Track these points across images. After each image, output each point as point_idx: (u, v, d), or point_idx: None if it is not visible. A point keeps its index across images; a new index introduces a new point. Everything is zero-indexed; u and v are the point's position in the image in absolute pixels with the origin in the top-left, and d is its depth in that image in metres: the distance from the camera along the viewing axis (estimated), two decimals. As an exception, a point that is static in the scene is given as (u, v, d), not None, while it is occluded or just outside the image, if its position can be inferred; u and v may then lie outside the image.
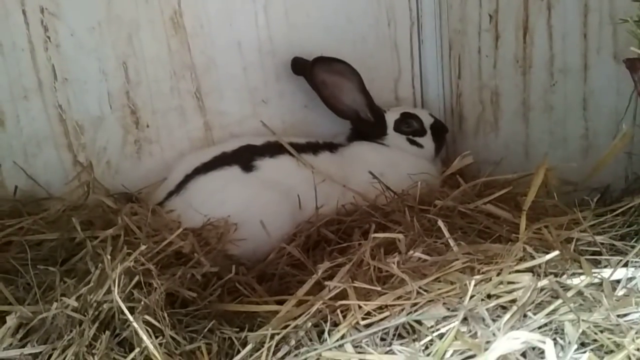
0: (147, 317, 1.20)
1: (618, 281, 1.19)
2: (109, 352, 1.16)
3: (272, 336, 1.20)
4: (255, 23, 1.97)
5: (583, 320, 1.04)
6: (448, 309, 1.15)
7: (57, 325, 1.21)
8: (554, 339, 1.02)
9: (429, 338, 1.08)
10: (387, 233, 1.49)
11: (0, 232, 1.55)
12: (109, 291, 1.23)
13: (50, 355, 1.16)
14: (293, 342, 1.18)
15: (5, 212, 1.66)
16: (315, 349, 1.13)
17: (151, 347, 1.13)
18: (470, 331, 1.08)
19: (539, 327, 1.06)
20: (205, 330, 1.30)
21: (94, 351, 1.15)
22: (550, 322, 1.07)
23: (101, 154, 1.84)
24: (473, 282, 1.16)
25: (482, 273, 1.24)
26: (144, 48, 1.84)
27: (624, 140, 1.56)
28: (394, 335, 1.13)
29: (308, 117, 2.10)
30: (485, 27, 2.00)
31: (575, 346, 0.98)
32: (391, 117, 2.08)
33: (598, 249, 1.35)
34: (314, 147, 1.92)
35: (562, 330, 1.05)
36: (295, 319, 1.24)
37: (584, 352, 0.97)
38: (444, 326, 1.10)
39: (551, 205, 1.60)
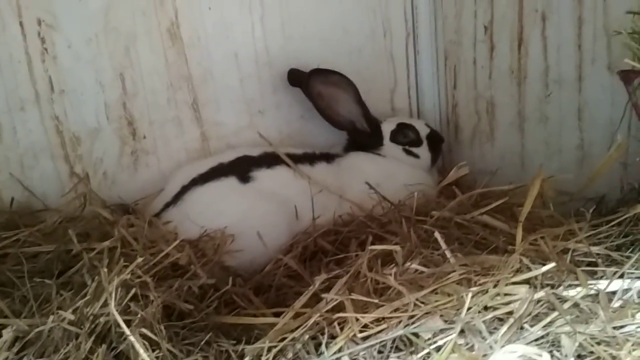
0: (143, 330, 1.19)
1: (614, 293, 1.19)
2: (105, 365, 1.16)
3: (270, 349, 1.20)
4: (252, 35, 1.97)
5: (579, 333, 1.04)
6: (445, 321, 1.15)
7: (54, 339, 1.21)
8: (551, 352, 1.02)
9: (426, 351, 1.08)
10: (384, 244, 1.49)
11: (-4, 244, 1.55)
12: (105, 304, 1.23)
13: (46, 369, 1.15)
14: (290, 355, 1.18)
15: (2, 223, 1.65)
16: (313, 362, 1.13)
17: (148, 360, 1.13)
18: (467, 344, 1.08)
19: (536, 340, 1.07)
20: (202, 343, 1.29)
21: (90, 364, 1.15)
22: (547, 335, 1.07)
23: (98, 165, 1.84)
24: (470, 294, 1.16)
25: (479, 285, 1.24)
26: (141, 59, 1.84)
27: (619, 151, 1.57)
28: (391, 348, 1.13)
29: (304, 127, 2.11)
30: (480, 38, 2.01)
31: (572, 359, 0.98)
32: (387, 128, 2.08)
33: (594, 260, 1.36)
34: (310, 158, 1.92)
35: (559, 342, 1.06)
36: (292, 331, 1.24)
37: (581, 364, 0.98)
38: (441, 339, 1.10)
39: (547, 216, 1.60)
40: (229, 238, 1.66)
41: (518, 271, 1.27)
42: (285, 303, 1.47)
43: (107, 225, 1.64)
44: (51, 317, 1.23)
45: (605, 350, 1.00)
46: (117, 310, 1.19)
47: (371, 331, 1.18)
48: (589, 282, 1.21)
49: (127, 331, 1.16)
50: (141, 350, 1.14)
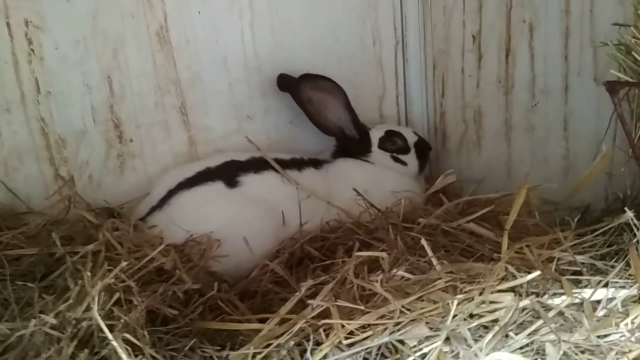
0: (126, 335, 1.18)
1: (598, 301, 1.20)
2: (87, 370, 1.14)
3: (254, 355, 1.20)
4: (241, 39, 1.97)
5: (564, 341, 1.05)
6: (431, 328, 1.15)
7: (35, 343, 1.19)
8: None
9: (411, 358, 1.08)
10: (370, 251, 1.49)
11: (-22, 246, 1.53)
12: (88, 308, 1.21)
13: (27, 374, 1.13)
14: (275, 362, 1.18)
15: (-16, 226, 1.63)
16: (298, 369, 1.12)
17: (131, 366, 1.12)
18: (452, 351, 1.08)
19: (521, 348, 1.07)
20: (186, 348, 1.28)
21: (72, 370, 1.13)
22: (532, 343, 1.08)
23: (83, 168, 1.82)
24: (456, 302, 1.16)
25: (465, 292, 1.25)
26: (129, 62, 1.83)
27: (604, 161, 1.59)
28: (376, 355, 1.13)
29: (293, 133, 2.11)
30: (468, 47, 2.03)
31: (557, 367, 0.99)
32: (376, 135, 2.09)
33: (579, 269, 1.36)
34: (298, 164, 1.92)
35: (544, 350, 1.06)
36: (277, 337, 1.23)
37: (565, 373, 0.98)
38: (426, 346, 1.10)
39: (532, 225, 1.61)
40: (215, 243, 1.65)
41: (503, 279, 1.28)
42: (270, 309, 1.46)
43: (91, 229, 1.62)
44: (33, 321, 1.21)
45: (589, 359, 1.01)
46: (100, 315, 1.18)
47: (357, 338, 1.17)
48: (574, 290, 1.22)
49: (109, 336, 1.15)
50: (124, 356, 1.12)
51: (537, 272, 1.22)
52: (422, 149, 2.13)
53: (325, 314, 1.26)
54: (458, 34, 2.04)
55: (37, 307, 1.28)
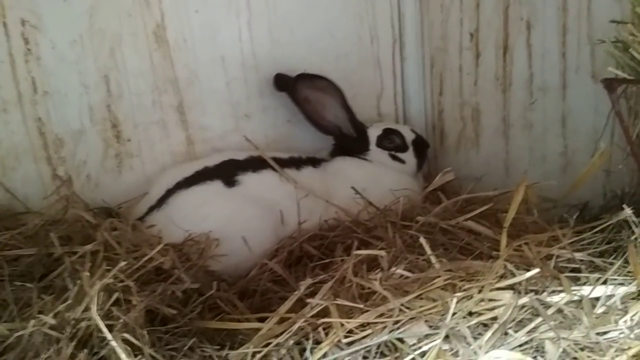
0: (126, 335, 1.18)
1: (597, 299, 1.20)
2: (86, 370, 1.14)
3: (254, 354, 1.20)
4: (239, 38, 1.97)
5: (563, 338, 1.05)
6: (430, 326, 1.15)
7: (34, 343, 1.19)
8: (535, 357, 1.03)
9: (410, 356, 1.08)
10: (369, 249, 1.49)
11: (-24, 247, 1.52)
12: (87, 308, 1.21)
13: (27, 374, 1.13)
14: (275, 360, 1.18)
15: (-18, 226, 1.62)
16: (297, 368, 1.12)
17: (130, 366, 1.12)
18: (452, 349, 1.08)
19: (520, 345, 1.07)
20: (186, 348, 1.28)
21: (71, 370, 1.13)
22: (531, 340, 1.08)
23: (81, 167, 1.82)
24: (455, 300, 1.16)
25: (464, 290, 1.25)
26: (126, 61, 1.82)
27: (602, 158, 1.59)
28: (376, 353, 1.13)
29: (291, 132, 2.10)
30: (466, 45, 2.03)
31: (556, 365, 0.99)
32: (373, 133, 2.09)
33: (577, 266, 1.37)
34: (296, 162, 1.92)
35: (543, 348, 1.06)
36: (277, 336, 1.23)
37: (564, 370, 0.98)
38: (425, 344, 1.10)
39: (531, 222, 1.62)
40: (213, 242, 1.65)
41: (502, 277, 1.28)
42: (270, 308, 1.46)
43: (89, 229, 1.62)
44: (32, 322, 1.20)
45: (588, 357, 1.01)
46: (99, 315, 1.18)
47: (356, 336, 1.17)
48: (573, 288, 1.22)
49: (109, 336, 1.15)
50: (123, 356, 1.12)
51: (536, 270, 1.22)
52: (420, 146, 2.13)
53: (325, 312, 1.26)
54: (455, 31, 2.04)
55: (35, 308, 1.28)
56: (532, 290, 1.23)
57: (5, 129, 1.71)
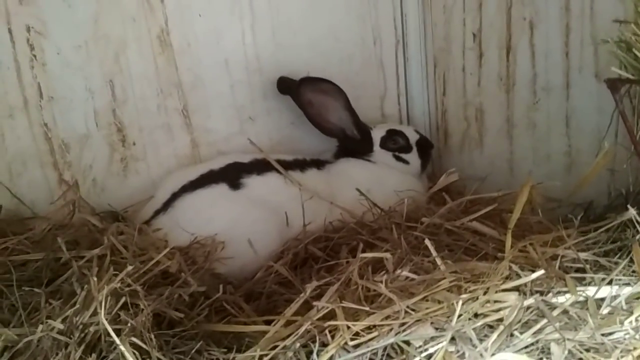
0: (133, 339, 1.19)
1: (602, 299, 1.20)
2: (95, 375, 1.15)
3: (261, 357, 1.20)
4: (242, 41, 1.98)
5: (568, 340, 1.05)
6: (436, 328, 1.16)
7: (43, 348, 1.20)
8: (541, 359, 1.03)
9: (417, 359, 1.09)
10: (374, 251, 1.49)
11: (-16, 252, 1.53)
12: (95, 313, 1.22)
13: (36, 379, 1.14)
14: (281, 363, 1.18)
15: (-10, 231, 1.64)
16: (304, 370, 1.13)
17: (138, 369, 1.13)
18: (458, 351, 1.08)
19: (526, 347, 1.07)
20: (193, 351, 1.29)
21: (79, 374, 1.14)
22: (537, 342, 1.08)
23: (87, 172, 1.83)
24: (460, 302, 1.16)
25: (469, 292, 1.25)
26: (131, 66, 1.83)
27: (606, 158, 1.59)
28: (382, 355, 1.14)
29: (295, 134, 2.11)
30: (469, 45, 2.03)
31: (562, 366, 0.99)
32: (377, 134, 2.09)
33: (582, 266, 1.37)
34: (301, 164, 1.93)
35: (549, 349, 1.07)
36: (283, 339, 1.24)
37: (570, 371, 0.99)
38: (432, 346, 1.11)
39: (536, 222, 1.62)
40: (219, 245, 1.66)
41: (507, 278, 1.28)
42: (276, 310, 1.47)
43: (96, 233, 1.63)
44: (40, 327, 1.22)
45: (594, 357, 1.01)
46: (106, 319, 1.18)
47: (362, 339, 1.18)
48: (578, 288, 1.22)
49: (117, 340, 1.16)
50: (131, 359, 1.13)
51: (542, 271, 1.23)
52: (424, 147, 2.13)
53: (331, 315, 1.26)
54: (458, 32, 2.04)
55: (44, 313, 1.29)
56: (537, 292, 1.23)
57: (12, 134, 1.73)
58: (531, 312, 1.18)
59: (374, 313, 1.23)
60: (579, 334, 1.07)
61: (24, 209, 1.75)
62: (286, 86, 2.00)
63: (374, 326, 1.20)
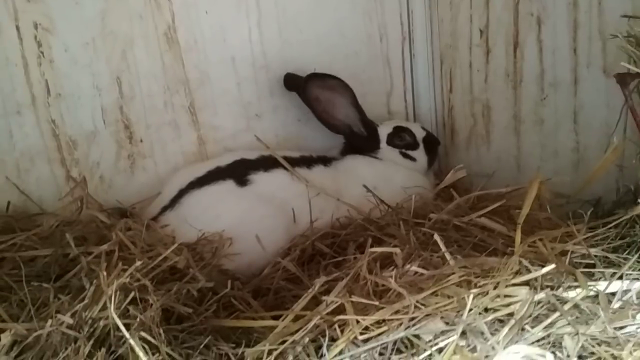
0: (143, 333, 1.19)
1: (613, 294, 1.20)
2: (104, 369, 1.15)
3: (270, 352, 1.20)
4: (249, 38, 1.98)
5: (581, 334, 1.05)
6: (446, 323, 1.15)
7: (52, 343, 1.20)
8: (553, 352, 1.03)
9: (427, 352, 1.08)
10: (383, 247, 1.49)
11: (-7, 248, 1.53)
12: (104, 307, 1.22)
13: (45, 374, 1.14)
14: (291, 358, 1.18)
15: (-2, 228, 1.64)
16: (314, 365, 1.12)
17: (148, 364, 1.12)
18: (469, 345, 1.08)
19: (537, 341, 1.07)
20: (202, 346, 1.29)
21: (89, 368, 1.14)
22: (548, 336, 1.08)
23: (94, 169, 1.83)
24: (472, 296, 1.16)
25: (479, 287, 1.24)
26: (138, 63, 1.84)
27: (615, 153, 1.58)
28: (392, 350, 1.13)
29: (301, 131, 2.11)
30: (476, 41, 2.02)
31: (575, 359, 0.98)
32: (384, 131, 2.09)
33: (592, 262, 1.36)
34: (307, 161, 1.93)
35: (560, 343, 1.06)
36: (292, 334, 1.24)
37: (582, 365, 0.98)
38: (442, 340, 1.10)
39: (544, 218, 1.61)
40: (226, 241, 1.66)
41: (517, 273, 1.27)
42: (284, 306, 1.46)
43: (104, 229, 1.63)
44: (49, 321, 1.22)
45: (606, 351, 1.01)
46: (116, 314, 1.18)
47: (372, 333, 1.17)
48: (589, 283, 1.21)
49: (126, 334, 1.15)
50: (141, 354, 1.13)
51: (552, 266, 1.22)
52: (431, 144, 2.13)
53: (340, 310, 1.26)
54: (465, 28, 2.04)
55: (53, 307, 1.29)
56: (547, 286, 1.23)
57: (20, 131, 1.73)
58: (542, 306, 1.17)
59: (383, 308, 1.23)
60: (591, 327, 1.06)
61: (32, 206, 1.75)
62: (293, 82, 2.00)
63: (384, 321, 1.19)
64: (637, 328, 1.06)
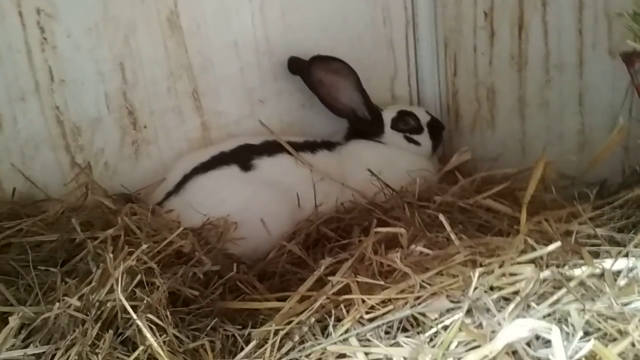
0: (150, 315, 1.20)
1: (619, 272, 1.19)
2: (112, 351, 1.16)
3: (276, 332, 1.20)
4: (252, 23, 1.97)
5: (587, 310, 1.05)
6: (452, 301, 1.15)
7: (60, 325, 1.21)
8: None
9: (433, 330, 1.08)
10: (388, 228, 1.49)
11: (-1, 234, 1.54)
12: (111, 290, 1.23)
13: (54, 356, 1.15)
14: (297, 338, 1.18)
15: (4, 214, 1.64)
16: (320, 343, 1.13)
17: (155, 345, 1.13)
18: (474, 322, 1.08)
19: (543, 317, 1.07)
20: (208, 328, 1.30)
21: (97, 350, 1.15)
22: (554, 312, 1.08)
23: (99, 155, 1.83)
24: (477, 274, 1.16)
25: (484, 266, 1.24)
26: (141, 49, 1.83)
27: (621, 134, 1.58)
28: (398, 328, 1.13)
29: (305, 116, 2.10)
30: (480, 24, 2.01)
31: (581, 333, 0.98)
32: (388, 116, 2.08)
33: (597, 242, 1.36)
34: (312, 146, 1.92)
35: (566, 320, 1.06)
36: (298, 315, 1.24)
37: (588, 340, 0.98)
38: (447, 318, 1.10)
39: (549, 200, 1.61)
40: (231, 226, 1.66)
41: (523, 252, 1.27)
42: (289, 289, 1.46)
43: (109, 215, 1.64)
44: (57, 304, 1.23)
45: (612, 326, 1.01)
46: (123, 296, 1.19)
47: (377, 312, 1.18)
48: (595, 260, 1.21)
49: (134, 316, 1.16)
50: (148, 335, 1.14)
51: (558, 243, 1.22)
52: (436, 128, 2.12)
53: (345, 290, 1.26)
54: (469, 11, 2.02)
55: (60, 291, 1.30)
56: (553, 265, 1.22)
57: (24, 118, 1.73)
58: (547, 284, 1.17)
59: (388, 287, 1.23)
60: (597, 303, 1.06)
61: (37, 192, 1.76)
62: (297, 66, 2.00)
63: (389, 300, 1.20)
64: (644, 304, 1.06)
